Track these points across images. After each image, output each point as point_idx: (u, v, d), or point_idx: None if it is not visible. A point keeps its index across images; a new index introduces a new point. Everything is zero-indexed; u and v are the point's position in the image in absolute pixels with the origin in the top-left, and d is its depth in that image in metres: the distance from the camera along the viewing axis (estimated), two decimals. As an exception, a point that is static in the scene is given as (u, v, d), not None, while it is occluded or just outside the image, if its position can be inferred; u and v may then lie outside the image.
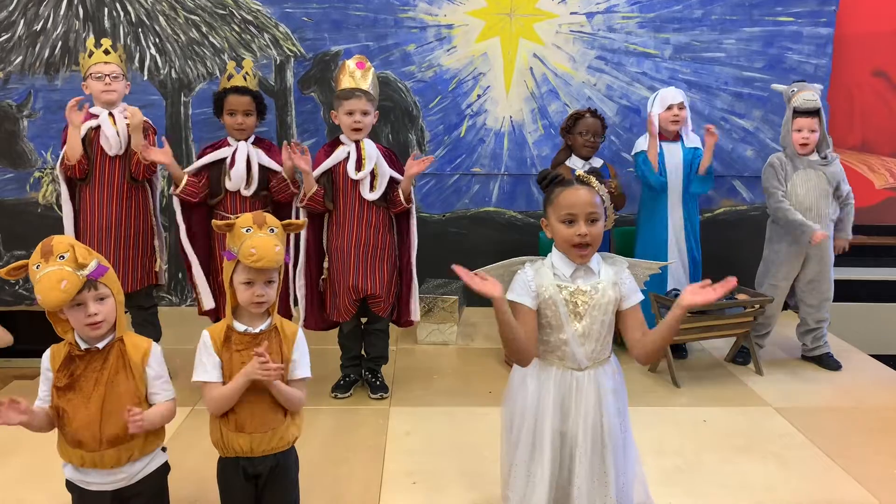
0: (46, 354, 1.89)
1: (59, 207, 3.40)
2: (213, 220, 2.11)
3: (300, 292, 3.29)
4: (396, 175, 3.23)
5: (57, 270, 1.75)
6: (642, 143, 3.86)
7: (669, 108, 3.77)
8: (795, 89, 3.70)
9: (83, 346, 1.86)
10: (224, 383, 1.96)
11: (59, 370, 1.86)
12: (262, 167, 3.28)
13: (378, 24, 4.55)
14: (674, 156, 3.81)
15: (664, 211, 3.83)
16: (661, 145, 3.80)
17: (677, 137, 3.84)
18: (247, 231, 1.94)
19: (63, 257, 1.77)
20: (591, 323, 1.93)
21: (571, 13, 4.58)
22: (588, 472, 1.95)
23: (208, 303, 3.29)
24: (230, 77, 3.28)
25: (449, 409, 3.26)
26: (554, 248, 2.01)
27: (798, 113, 3.63)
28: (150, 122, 3.41)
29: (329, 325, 3.38)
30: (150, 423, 1.86)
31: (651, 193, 3.85)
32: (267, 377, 1.90)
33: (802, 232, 3.58)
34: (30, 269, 1.80)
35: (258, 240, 1.91)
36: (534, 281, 1.96)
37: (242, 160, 3.23)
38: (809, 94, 3.62)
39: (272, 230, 1.96)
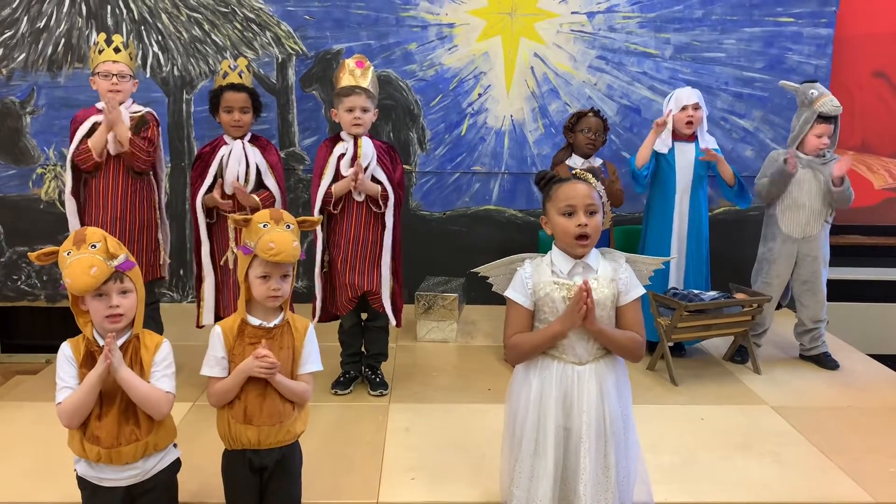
0: (67, 344, 1.91)
1: (62, 203, 3.41)
2: (231, 215, 2.12)
3: (319, 293, 3.31)
4: (382, 177, 3.21)
5: (88, 257, 1.80)
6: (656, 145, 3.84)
7: (684, 108, 3.74)
8: (815, 92, 3.66)
9: (101, 342, 1.88)
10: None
11: (80, 366, 1.87)
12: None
13: (379, 22, 4.56)
14: (686, 155, 3.78)
15: (671, 210, 3.81)
16: (674, 144, 3.79)
17: (692, 138, 3.81)
18: (264, 226, 1.97)
19: (95, 246, 1.83)
20: (591, 318, 1.95)
21: (572, 13, 4.60)
22: (593, 467, 1.97)
23: (208, 319, 3.32)
24: (225, 75, 3.29)
25: (448, 406, 3.28)
26: (554, 246, 2.03)
27: (823, 118, 3.63)
28: (154, 113, 3.41)
29: (331, 317, 3.40)
30: (131, 382, 1.86)
31: (660, 191, 3.84)
32: (268, 374, 1.93)
33: (780, 171, 3.62)
34: (60, 256, 1.85)
35: (276, 235, 1.94)
36: (531, 279, 2.00)
37: (236, 161, 3.25)
38: (836, 101, 3.62)
39: (288, 226, 2.00)
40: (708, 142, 3.83)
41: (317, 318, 3.31)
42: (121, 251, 1.86)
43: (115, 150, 3.22)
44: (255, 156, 3.29)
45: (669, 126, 3.79)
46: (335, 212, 3.23)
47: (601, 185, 2.07)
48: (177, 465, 2.06)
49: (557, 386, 1.99)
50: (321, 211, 3.22)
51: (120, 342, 1.89)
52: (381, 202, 3.20)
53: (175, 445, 2.05)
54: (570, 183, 1.99)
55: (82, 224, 3.30)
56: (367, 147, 3.20)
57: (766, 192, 3.74)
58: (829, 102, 3.62)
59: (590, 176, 2.03)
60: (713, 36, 4.63)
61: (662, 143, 3.79)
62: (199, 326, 3.36)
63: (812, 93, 3.69)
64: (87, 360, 1.88)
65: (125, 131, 3.19)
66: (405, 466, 2.74)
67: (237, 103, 3.25)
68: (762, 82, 4.64)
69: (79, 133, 3.25)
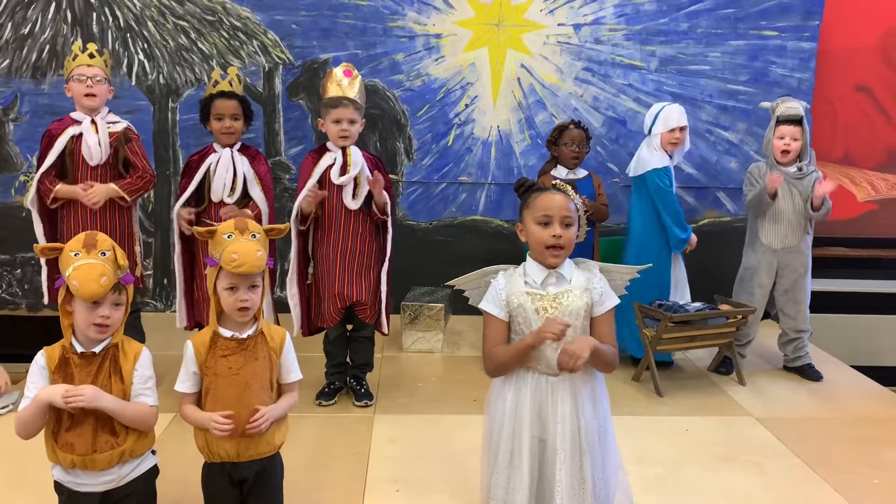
0: (42, 354, 1.90)
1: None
2: (196, 227, 2.12)
3: (292, 301, 3.29)
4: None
5: (99, 265, 1.81)
6: (654, 161, 3.74)
7: (672, 130, 3.73)
8: (779, 100, 3.78)
9: (79, 349, 1.88)
10: (204, 389, 1.99)
11: (53, 372, 1.87)
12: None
13: (367, 32, 4.57)
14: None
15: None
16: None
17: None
18: (228, 237, 1.95)
19: (105, 254, 1.84)
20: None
21: (559, 24, 4.63)
22: (569, 479, 1.96)
23: (179, 321, 3.39)
24: (216, 83, 3.30)
25: (433, 417, 3.27)
26: (528, 256, 2.04)
27: (781, 121, 3.69)
28: (133, 127, 3.38)
29: (315, 330, 3.39)
30: (115, 410, 1.86)
31: (638, 204, 3.85)
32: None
33: (762, 192, 3.67)
34: (65, 254, 1.85)
35: (240, 245, 1.92)
36: (504, 290, 2.01)
37: (224, 169, 3.24)
38: (792, 103, 3.69)
39: (254, 235, 1.98)
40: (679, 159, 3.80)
41: (297, 331, 3.29)
42: (125, 262, 1.88)
43: (95, 162, 3.21)
44: (244, 165, 3.29)
45: (657, 142, 3.78)
46: (302, 228, 3.22)
47: (579, 198, 2.07)
48: (154, 471, 2.04)
49: (532, 397, 1.99)
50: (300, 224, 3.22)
51: (99, 349, 1.89)
52: (378, 213, 3.21)
53: (153, 452, 2.04)
54: (548, 193, 2.00)
55: (60, 234, 3.27)
56: (357, 156, 3.20)
57: (749, 204, 3.79)
58: (784, 105, 3.70)
59: (569, 188, 2.04)
60: (698, 49, 4.66)
61: (659, 160, 3.74)
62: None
63: (776, 101, 3.79)
64: (61, 365, 1.87)
65: (116, 191, 3.20)
66: (390, 478, 2.72)
67: (227, 110, 3.25)
68: (746, 95, 4.68)
69: (51, 155, 3.20)
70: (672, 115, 3.75)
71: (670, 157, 3.78)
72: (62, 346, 1.89)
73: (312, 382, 3.38)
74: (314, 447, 2.95)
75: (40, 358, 1.89)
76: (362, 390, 3.39)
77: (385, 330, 3.37)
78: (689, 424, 3.26)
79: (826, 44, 4.74)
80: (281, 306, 3.45)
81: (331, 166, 3.19)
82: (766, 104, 3.90)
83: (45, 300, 3.32)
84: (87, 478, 1.90)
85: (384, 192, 3.20)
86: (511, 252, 4.20)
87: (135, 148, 3.29)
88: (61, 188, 3.20)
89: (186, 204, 3.29)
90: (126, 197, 3.23)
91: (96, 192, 3.18)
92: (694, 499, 2.65)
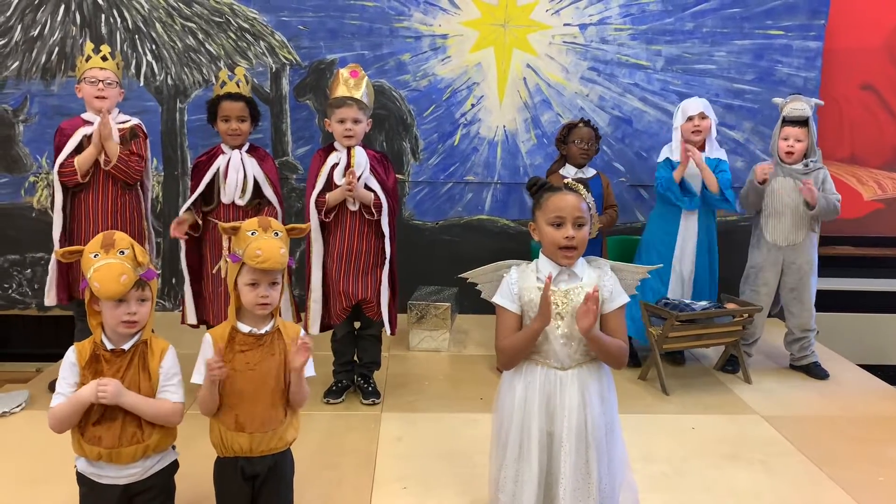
0: (73, 350, 1.94)
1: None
2: (220, 224, 2.15)
3: (314, 294, 3.29)
4: (375, 186, 3.22)
5: (118, 264, 1.85)
6: (667, 151, 3.85)
7: (690, 119, 3.75)
8: (787, 99, 3.78)
9: (109, 346, 1.92)
10: (220, 383, 2.00)
11: (83, 368, 1.91)
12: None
13: (373, 33, 4.59)
14: (692, 166, 3.74)
15: (677, 220, 3.83)
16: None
17: (701, 148, 3.79)
18: (252, 234, 1.99)
19: (123, 253, 1.87)
20: (573, 324, 1.97)
21: (565, 24, 4.64)
22: (573, 472, 1.98)
23: (191, 318, 3.38)
24: (223, 84, 3.31)
25: (440, 416, 3.29)
26: (540, 253, 2.06)
27: (786, 122, 3.70)
28: (143, 126, 3.41)
29: (325, 327, 3.40)
30: (137, 407, 1.90)
31: (664, 201, 3.86)
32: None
33: (751, 181, 3.76)
34: (85, 256, 1.88)
35: (264, 242, 1.96)
36: (517, 284, 2.03)
37: (235, 171, 3.26)
38: (798, 104, 3.69)
39: (277, 234, 2.02)
40: (716, 152, 3.80)
41: (314, 327, 3.30)
42: (145, 259, 1.91)
43: (104, 165, 3.23)
44: (253, 166, 3.30)
45: (678, 137, 3.79)
46: (327, 220, 3.24)
47: (591, 196, 2.08)
48: (175, 466, 2.08)
49: (540, 391, 2.01)
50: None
51: (128, 346, 1.93)
52: (374, 210, 3.21)
53: (174, 447, 2.08)
54: (560, 193, 2.01)
55: (71, 236, 3.30)
56: (361, 157, 3.22)
57: (743, 199, 3.85)
58: (790, 106, 3.71)
59: (581, 187, 2.04)
60: (704, 48, 4.67)
61: (675, 153, 3.80)
62: (183, 323, 3.42)
63: (785, 100, 3.79)
64: (92, 361, 1.91)
65: (115, 147, 3.20)
66: (397, 476, 2.74)
67: (234, 112, 3.26)
68: (752, 94, 4.68)
69: (67, 147, 3.23)
70: (688, 105, 3.79)
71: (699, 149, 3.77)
72: (93, 343, 1.93)
73: (320, 381, 3.39)
74: (322, 445, 2.97)
75: (71, 354, 1.93)
76: (369, 388, 3.41)
77: (389, 330, 3.36)
78: (695, 423, 3.27)
79: (832, 43, 4.74)
80: (302, 305, 3.46)
81: (336, 166, 3.21)
82: (777, 100, 3.90)
83: (54, 301, 3.32)
84: (111, 470, 1.94)
85: (373, 192, 3.19)
86: (518, 251, 4.17)
87: (140, 143, 3.32)
88: (80, 157, 3.19)
89: (193, 205, 3.30)
90: (111, 158, 3.18)
91: (107, 125, 3.15)
92: (700, 497, 2.66)
